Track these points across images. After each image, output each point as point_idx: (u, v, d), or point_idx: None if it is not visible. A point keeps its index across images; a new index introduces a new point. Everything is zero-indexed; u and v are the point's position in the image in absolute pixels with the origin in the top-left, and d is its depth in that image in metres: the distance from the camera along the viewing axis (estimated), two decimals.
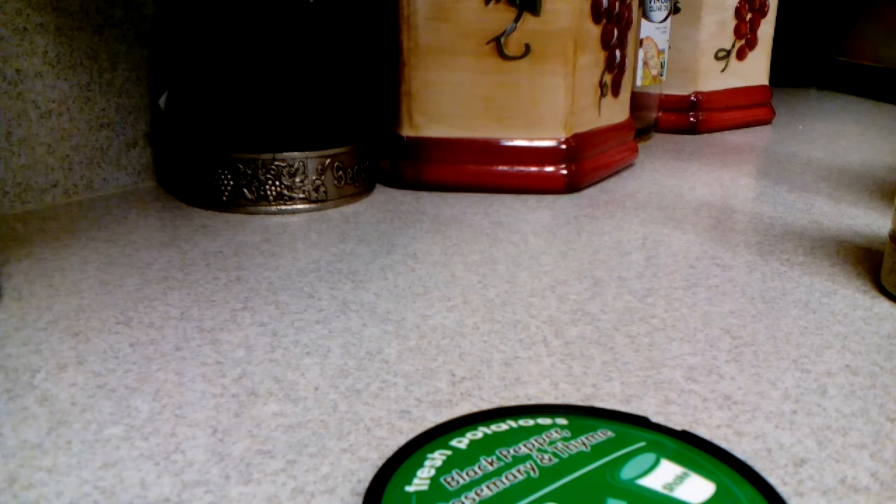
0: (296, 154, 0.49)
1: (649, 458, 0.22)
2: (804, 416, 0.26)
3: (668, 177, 0.62)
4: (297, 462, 0.23)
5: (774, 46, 0.89)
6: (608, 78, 0.60)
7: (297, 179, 0.49)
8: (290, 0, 0.48)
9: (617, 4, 0.58)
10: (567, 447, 0.22)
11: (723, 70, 0.84)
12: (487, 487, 0.21)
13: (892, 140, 0.81)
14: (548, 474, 0.21)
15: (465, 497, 0.20)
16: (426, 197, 0.54)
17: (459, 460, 0.22)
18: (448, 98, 0.55)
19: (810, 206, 0.53)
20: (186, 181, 0.52)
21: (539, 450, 0.22)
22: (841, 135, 0.84)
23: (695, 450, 0.23)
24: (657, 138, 0.80)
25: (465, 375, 0.29)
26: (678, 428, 0.24)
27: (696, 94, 0.83)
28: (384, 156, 0.57)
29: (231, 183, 0.49)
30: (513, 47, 0.54)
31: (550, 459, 0.22)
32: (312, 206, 0.50)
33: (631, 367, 0.29)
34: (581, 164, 0.56)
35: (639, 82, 0.72)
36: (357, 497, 0.22)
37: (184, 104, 0.52)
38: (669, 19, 0.75)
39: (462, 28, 0.53)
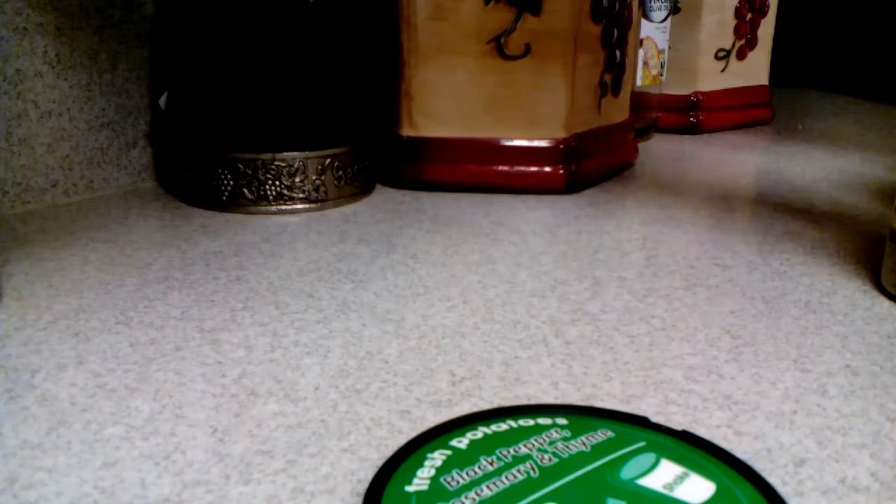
0: (296, 154, 0.49)
1: (649, 458, 0.22)
2: (804, 416, 0.26)
3: (668, 177, 0.62)
4: (297, 462, 0.23)
5: (774, 46, 0.89)
6: (608, 78, 0.60)
7: (297, 179, 0.49)
8: (290, 0, 0.48)
9: (617, 4, 0.58)
10: (567, 447, 0.22)
11: (723, 70, 0.84)
12: (487, 487, 0.21)
13: (892, 140, 0.81)
14: (548, 474, 0.21)
15: (465, 497, 0.20)
16: (426, 197, 0.54)
17: (459, 460, 0.22)
18: (448, 98, 0.55)
19: (810, 206, 0.53)
20: (186, 181, 0.52)
21: (539, 450, 0.22)
22: (841, 135, 0.84)
23: (695, 450, 0.23)
24: (657, 138, 0.80)
25: (465, 375, 0.29)
26: (678, 428, 0.24)
27: (696, 94, 0.83)
28: (384, 156, 0.57)
29: (231, 183, 0.49)
30: (513, 47, 0.54)
31: (550, 459, 0.22)
32: (312, 206, 0.50)
33: (631, 367, 0.29)
34: (581, 164, 0.56)
35: (639, 82, 0.72)
36: (357, 497, 0.22)
37: (184, 104, 0.52)
38: (669, 19, 0.75)
39: (462, 28, 0.53)
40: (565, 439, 0.23)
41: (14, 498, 0.22)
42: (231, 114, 0.49)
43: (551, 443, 0.23)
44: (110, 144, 0.54)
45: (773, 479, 0.23)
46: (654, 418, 0.25)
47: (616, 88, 0.61)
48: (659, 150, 0.74)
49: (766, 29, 0.87)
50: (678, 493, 0.20)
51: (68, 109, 0.51)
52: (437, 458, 0.22)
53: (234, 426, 0.25)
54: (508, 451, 0.22)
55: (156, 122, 0.57)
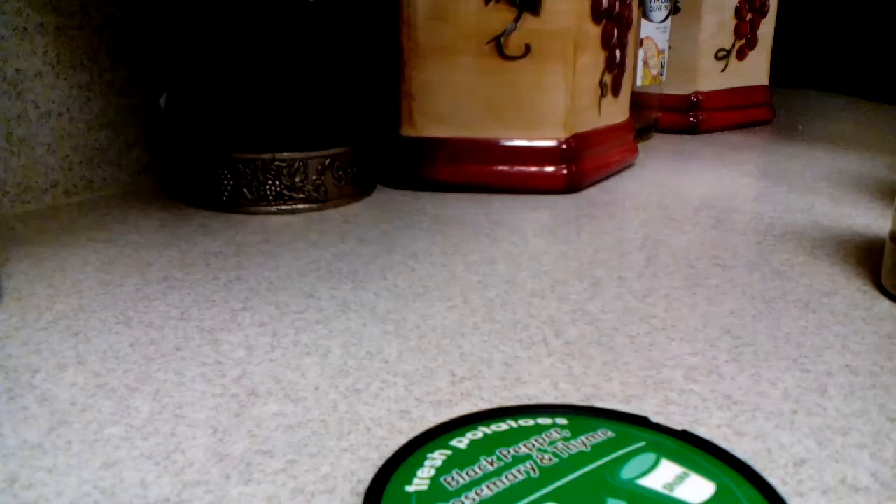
0: (296, 154, 0.49)
1: (649, 458, 0.22)
2: (804, 416, 0.26)
3: (668, 177, 0.62)
4: (297, 462, 0.23)
5: (774, 46, 0.89)
6: (608, 78, 0.60)
7: (297, 179, 0.49)
8: (290, 0, 0.48)
9: (617, 4, 0.58)
10: (567, 447, 0.22)
11: (723, 70, 0.84)
12: (487, 487, 0.21)
13: (892, 140, 0.81)
14: (548, 474, 0.21)
15: (465, 497, 0.20)
16: (426, 197, 0.54)
17: (459, 460, 0.22)
18: (448, 98, 0.55)
19: (810, 206, 0.53)
20: (186, 181, 0.52)
21: (539, 450, 0.22)
22: (841, 135, 0.84)
23: (695, 450, 0.23)
24: (657, 138, 0.80)
25: (465, 375, 0.29)
26: (678, 428, 0.24)
27: (696, 94, 0.83)
28: (384, 156, 0.57)
29: (231, 183, 0.49)
30: (513, 47, 0.54)
31: (550, 459, 0.22)
32: (312, 206, 0.50)
33: (631, 367, 0.29)
34: (581, 164, 0.56)
35: (639, 82, 0.72)
36: (357, 497, 0.22)
37: (184, 104, 0.52)
38: (669, 19, 0.75)
39: (462, 28, 0.53)
40: (565, 439, 0.23)
41: (14, 498, 0.22)
42: (231, 114, 0.49)
43: (551, 443, 0.23)
44: (110, 144, 0.54)
45: (773, 479, 0.23)
46: (654, 418, 0.25)
47: (616, 88, 0.61)
48: (659, 150, 0.74)
49: (766, 29, 0.87)
50: (678, 493, 0.20)
51: (68, 109, 0.51)
52: (437, 458, 0.22)
53: (234, 426, 0.25)
54: (508, 451, 0.22)
55: (156, 122, 0.57)
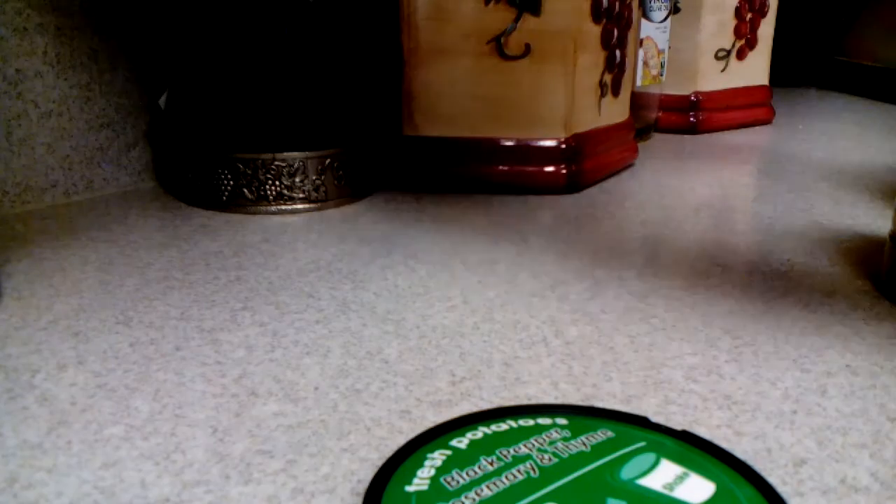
0: (296, 154, 0.49)
1: (649, 458, 0.22)
2: (804, 416, 0.26)
3: (668, 177, 0.62)
4: (297, 462, 0.23)
5: (774, 46, 0.89)
6: (608, 78, 0.60)
7: (297, 179, 0.49)
8: (290, 0, 0.48)
9: (617, 4, 0.58)
10: (567, 447, 0.22)
11: (723, 70, 0.84)
12: (487, 487, 0.21)
13: (892, 140, 0.81)
14: (548, 474, 0.21)
15: (465, 497, 0.20)
16: (426, 197, 0.54)
17: (459, 460, 0.22)
18: (448, 98, 0.55)
19: (810, 206, 0.53)
20: (186, 181, 0.52)
21: (539, 450, 0.22)
22: (841, 135, 0.84)
23: (695, 450, 0.23)
24: (657, 138, 0.80)
25: (465, 375, 0.29)
26: (678, 428, 0.24)
27: (696, 94, 0.83)
28: (384, 156, 0.57)
29: (231, 183, 0.49)
30: (513, 47, 0.54)
31: (550, 459, 0.22)
32: (312, 206, 0.50)
33: (631, 367, 0.29)
34: (581, 164, 0.56)
35: (639, 82, 0.72)
36: (357, 497, 0.22)
37: (184, 104, 0.52)
38: (669, 19, 0.75)
39: (462, 28, 0.53)
40: (565, 439, 0.23)
41: (14, 498, 0.22)
42: (231, 114, 0.49)
43: (551, 443, 0.23)
44: (110, 144, 0.54)
45: (773, 479, 0.23)
46: (654, 418, 0.25)
47: (616, 88, 0.61)
48: (659, 150, 0.74)
49: (766, 29, 0.87)
50: (678, 493, 0.20)
51: (68, 109, 0.51)
52: (437, 458, 0.22)
53: (234, 426, 0.25)
54: (508, 451, 0.22)
55: (156, 122, 0.57)
